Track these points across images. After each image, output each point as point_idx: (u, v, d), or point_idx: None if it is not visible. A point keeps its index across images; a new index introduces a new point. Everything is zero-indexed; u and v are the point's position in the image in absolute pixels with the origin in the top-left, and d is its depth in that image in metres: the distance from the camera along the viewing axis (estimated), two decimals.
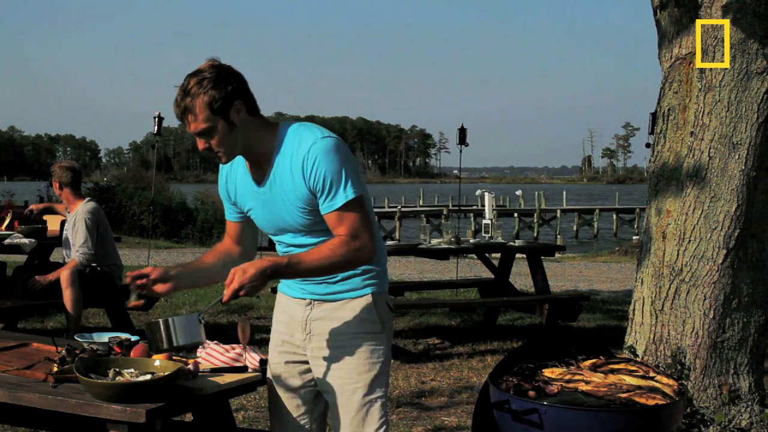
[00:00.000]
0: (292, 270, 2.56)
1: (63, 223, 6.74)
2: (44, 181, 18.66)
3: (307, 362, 2.80)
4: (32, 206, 7.12)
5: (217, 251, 2.90)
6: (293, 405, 2.83)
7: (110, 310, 6.90)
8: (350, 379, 2.71)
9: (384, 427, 2.75)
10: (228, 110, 2.53)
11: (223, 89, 2.52)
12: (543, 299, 7.54)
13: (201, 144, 2.59)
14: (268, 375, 2.88)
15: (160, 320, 2.57)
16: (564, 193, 60.59)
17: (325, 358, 2.75)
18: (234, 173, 2.76)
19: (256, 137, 2.61)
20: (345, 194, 2.56)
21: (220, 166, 2.80)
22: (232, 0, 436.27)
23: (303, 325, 2.77)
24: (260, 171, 2.66)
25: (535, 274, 7.90)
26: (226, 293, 2.50)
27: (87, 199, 6.54)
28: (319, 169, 2.54)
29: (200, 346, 2.93)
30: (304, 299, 2.75)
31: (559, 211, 46.19)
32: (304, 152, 2.56)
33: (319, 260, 2.56)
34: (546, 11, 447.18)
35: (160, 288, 2.71)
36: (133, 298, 2.78)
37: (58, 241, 6.78)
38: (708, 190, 4.40)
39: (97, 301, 6.62)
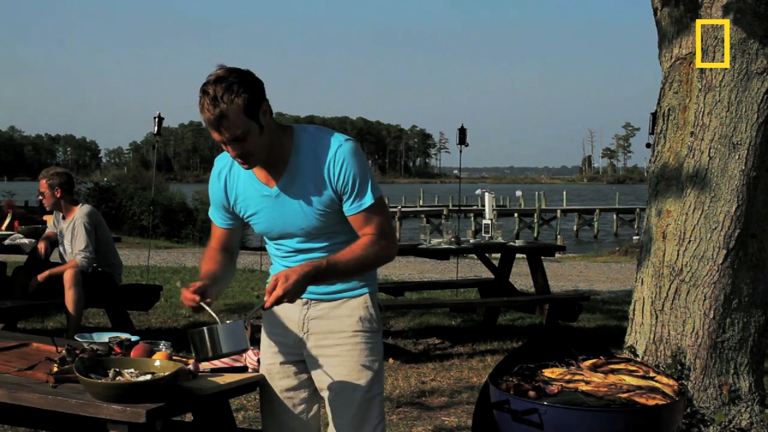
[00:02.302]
0: (331, 271, 2.57)
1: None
2: None
3: (302, 362, 2.81)
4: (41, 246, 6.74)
5: (216, 257, 2.85)
6: (289, 405, 2.83)
7: (110, 310, 6.90)
8: (350, 377, 2.73)
9: (382, 423, 2.77)
10: (258, 112, 2.53)
11: (253, 91, 2.51)
12: (543, 299, 7.54)
13: (234, 151, 2.55)
14: (260, 374, 2.88)
15: (205, 329, 2.53)
16: (564, 193, 60.61)
17: (324, 357, 2.76)
18: (234, 178, 2.74)
19: (276, 139, 2.61)
20: (371, 195, 2.61)
21: (215, 171, 2.78)
22: (231, 0, 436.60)
23: (300, 325, 2.78)
24: (275, 173, 2.65)
25: (535, 274, 7.90)
26: (269, 300, 2.50)
27: (82, 203, 6.54)
28: (347, 171, 2.58)
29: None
30: (301, 299, 2.75)
31: (559, 211, 46.19)
32: (329, 155, 2.58)
33: (354, 259, 2.60)
34: (546, 11, 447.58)
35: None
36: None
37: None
38: (708, 190, 4.40)
39: (98, 301, 6.62)
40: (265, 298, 2.51)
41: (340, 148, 2.59)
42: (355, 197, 2.61)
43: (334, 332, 2.74)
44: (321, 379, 2.78)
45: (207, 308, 2.62)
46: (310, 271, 2.52)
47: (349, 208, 2.62)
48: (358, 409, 2.73)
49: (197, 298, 2.61)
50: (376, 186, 2.63)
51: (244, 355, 2.99)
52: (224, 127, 2.50)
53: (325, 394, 2.79)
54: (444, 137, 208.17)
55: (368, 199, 2.61)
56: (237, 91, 2.48)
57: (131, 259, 14.30)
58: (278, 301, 2.50)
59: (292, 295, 2.50)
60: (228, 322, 2.58)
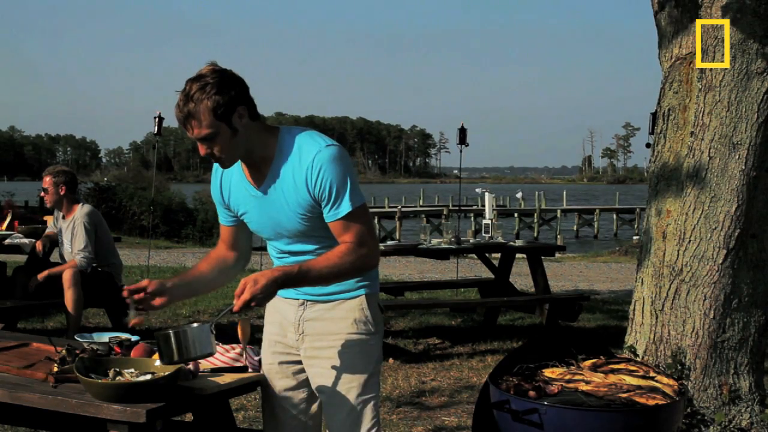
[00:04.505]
0: (302, 278, 2.55)
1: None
2: None
3: (300, 362, 2.81)
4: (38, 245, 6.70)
5: (212, 258, 2.87)
6: (288, 405, 2.84)
7: (110, 310, 6.90)
8: (344, 379, 2.72)
9: (376, 427, 2.76)
10: (231, 115, 2.52)
11: (227, 94, 2.50)
12: (543, 299, 7.54)
13: (203, 149, 2.57)
14: (260, 374, 2.88)
15: (171, 332, 2.53)
16: (564, 193, 60.58)
17: (318, 359, 2.75)
18: (228, 176, 2.75)
19: (257, 141, 2.60)
20: (350, 203, 2.58)
21: (213, 169, 2.79)
22: (232, 0, 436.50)
23: (296, 326, 2.78)
24: (259, 175, 2.65)
25: (535, 274, 7.90)
26: (237, 303, 2.48)
27: (82, 203, 6.55)
28: (325, 177, 2.55)
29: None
30: (297, 299, 2.75)
31: (559, 211, 46.18)
32: (308, 160, 2.56)
33: (328, 267, 2.57)
34: (546, 11, 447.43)
35: (157, 302, 2.67)
36: (132, 315, 2.70)
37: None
38: (708, 190, 4.40)
39: (98, 301, 6.62)
40: (234, 302, 2.49)
41: (318, 154, 2.56)
42: (332, 205, 2.58)
43: (329, 334, 2.73)
44: (316, 381, 2.78)
45: (132, 307, 2.63)
46: (279, 276, 2.50)
47: (327, 215, 2.60)
48: (350, 412, 2.72)
49: (125, 293, 2.61)
50: (356, 193, 2.59)
51: (244, 354, 2.99)
52: (191, 125, 2.52)
53: (320, 395, 2.79)
54: (444, 137, 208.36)
55: (345, 207, 2.57)
56: (209, 92, 2.48)
57: (131, 259, 14.29)
58: (246, 305, 2.48)
59: (260, 299, 2.48)
60: (195, 325, 2.58)
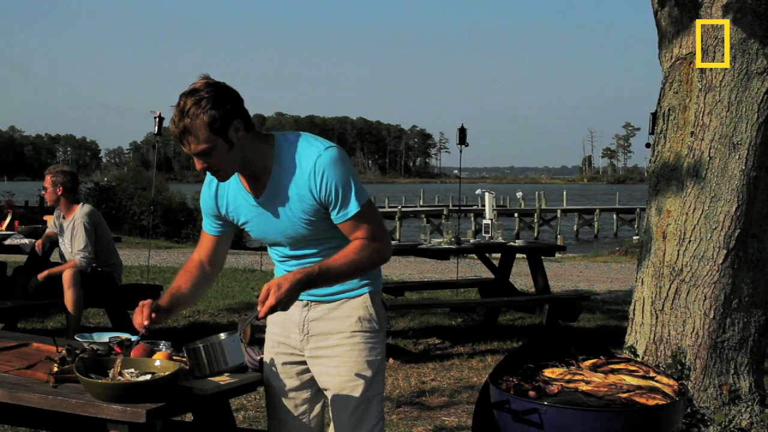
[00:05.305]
0: (323, 277, 2.57)
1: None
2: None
3: (304, 363, 2.82)
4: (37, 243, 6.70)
5: (192, 274, 2.86)
6: (291, 406, 2.84)
7: (110, 310, 6.90)
8: (349, 377, 2.73)
9: (381, 423, 2.78)
10: (227, 129, 2.51)
11: (222, 108, 2.49)
12: (543, 299, 7.54)
13: (199, 164, 2.57)
14: (265, 376, 2.89)
15: (201, 345, 2.53)
16: (564, 193, 60.60)
17: (323, 358, 2.77)
18: (225, 187, 2.75)
19: (254, 153, 2.60)
20: (357, 202, 2.59)
21: (207, 179, 2.78)
22: (232, 0, 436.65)
23: (301, 326, 2.79)
24: (258, 185, 2.65)
25: (536, 274, 7.90)
26: (263, 309, 2.49)
27: (83, 203, 6.56)
28: (329, 181, 2.56)
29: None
30: (301, 300, 2.76)
31: (559, 211, 46.21)
32: (309, 166, 2.57)
33: (347, 264, 2.59)
34: (546, 11, 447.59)
35: (155, 323, 2.74)
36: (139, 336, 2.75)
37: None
38: (708, 190, 4.40)
39: (98, 301, 6.62)
40: (258, 308, 2.50)
41: (319, 159, 2.56)
42: (340, 207, 2.59)
43: (334, 333, 2.75)
44: (322, 380, 2.79)
45: (141, 333, 2.69)
46: (302, 278, 2.52)
47: (335, 217, 2.61)
48: (355, 410, 2.74)
49: (146, 323, 2.67)
50: (361, 191, 2.60)
51: (244, 354, 2.99)
52: (187, 141, 2.52)
53: (326, 394, 2.81)
54: (444, 137, 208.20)
55: (353, 207, 2.59)
56: (204, 107, 2.47)
57: (131, 259, 14.29)
58: (272, 310, 2.49)
59: (285, 303, 2.50)
60: (223, 336, 2.57)
